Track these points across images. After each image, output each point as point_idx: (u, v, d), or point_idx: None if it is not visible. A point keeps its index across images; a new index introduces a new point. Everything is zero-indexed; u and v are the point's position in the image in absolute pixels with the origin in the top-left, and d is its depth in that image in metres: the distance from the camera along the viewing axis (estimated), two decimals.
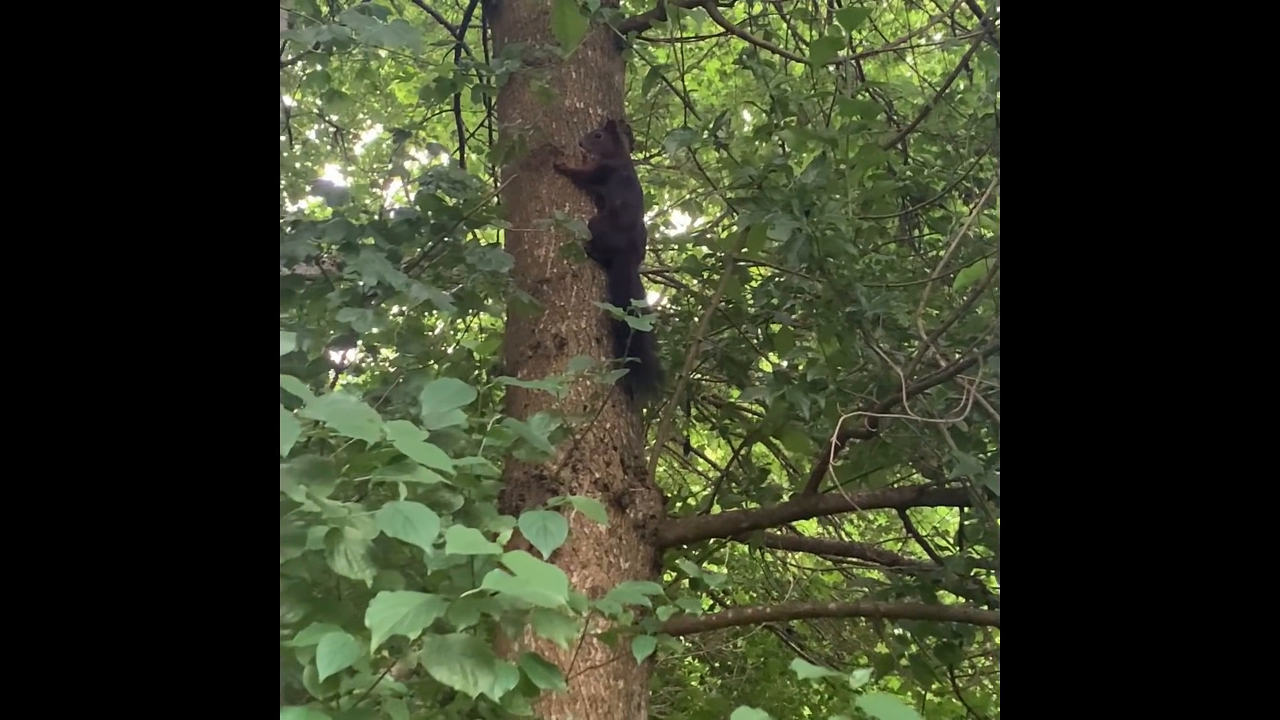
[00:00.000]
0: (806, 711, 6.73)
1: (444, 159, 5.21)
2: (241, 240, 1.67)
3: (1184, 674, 1.51)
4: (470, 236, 4.20)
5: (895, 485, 4.74)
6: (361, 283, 3.39)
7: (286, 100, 9.20)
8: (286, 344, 2.28)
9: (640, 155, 7.22)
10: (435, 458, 2.23)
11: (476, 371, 4.73)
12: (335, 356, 4.06)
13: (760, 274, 5.08)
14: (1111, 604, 1.55)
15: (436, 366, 4.63)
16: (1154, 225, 1.62)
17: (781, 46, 5.81)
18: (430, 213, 3.95)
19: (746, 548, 6.14)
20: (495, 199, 4.66)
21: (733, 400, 5.66)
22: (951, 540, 5.68)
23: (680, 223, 10.64)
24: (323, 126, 10.16)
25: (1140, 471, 1.57)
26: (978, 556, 4.37)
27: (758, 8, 6.08)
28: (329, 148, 10.20)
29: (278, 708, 1.68)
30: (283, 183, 8.80)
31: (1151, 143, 1.64)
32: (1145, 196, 1.63)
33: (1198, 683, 1.50)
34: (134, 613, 1.51)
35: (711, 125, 3.92)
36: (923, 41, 6.88)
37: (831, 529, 6.91)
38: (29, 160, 1.57)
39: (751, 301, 4.84)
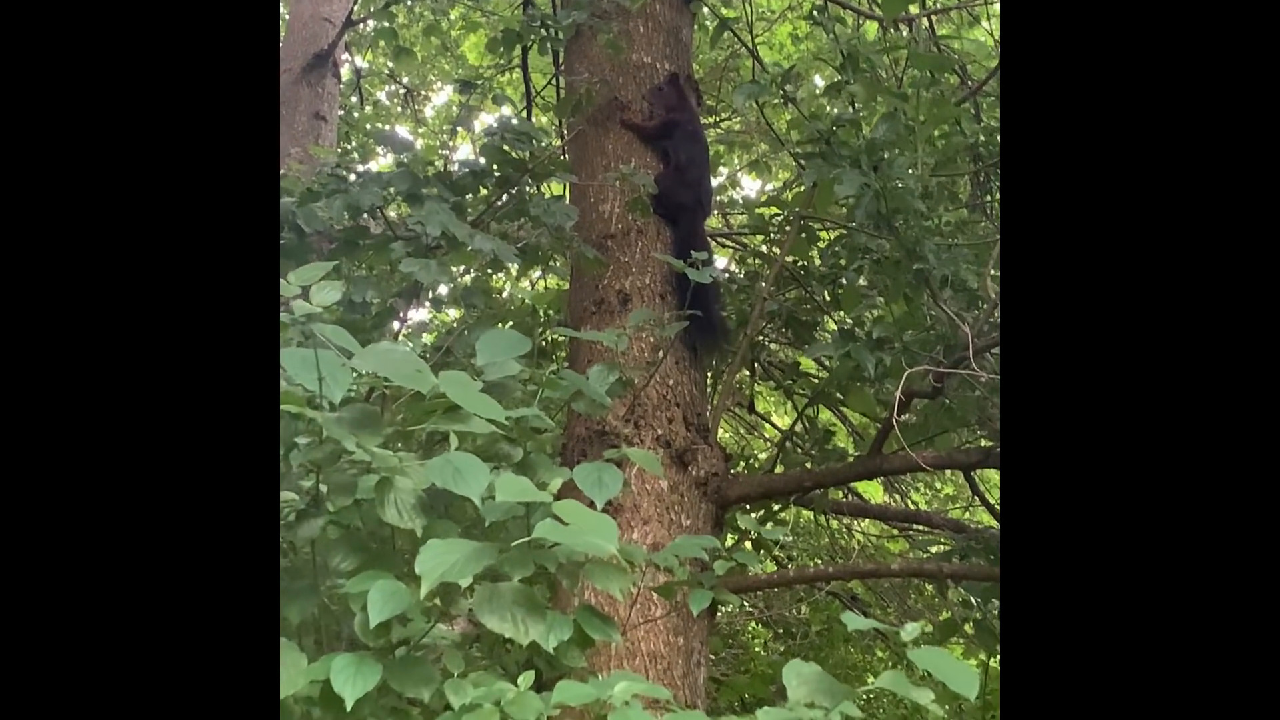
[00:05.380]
0: (870, 679, 6.68)
1: (506, 111, 5.18)
2: (238, 229, 1.65)
3: (1189, 666, 1.49)
4: (535, 191, 4.17)
5: (962, 448, 4.66)
6: (426, 234, 3.39)
7: (358, 61, 9.26)
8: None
9: (711, 119, 7.14)
10: (488, 408, 2.20)
11: (541, 328, 4.71)
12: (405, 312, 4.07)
13: (828, 236, 5.01)
14: (1116, 593, 1.53)
15: (500, 323, 4.62)
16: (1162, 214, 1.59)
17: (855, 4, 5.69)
18: (495, 165, 3.93)
19: (812, 514, 6.09)
20: (560, 153, 4.63)
21: (798, 360, 5.59)
22: None
23: (750, 186, 10.57)
24: (393, 88, 10.21)
25: (1140, 465, 1.55)
26: None
27: None
28: (400, 109, 10.24)
29: (278, 706, 1.67)
30: (353, 142, 8.87)
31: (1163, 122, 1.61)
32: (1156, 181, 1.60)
33: (1201, 675, 1.48)
34: (127, 603, 1.51)
35: (780, 79, 3.85)
36: None
37: (898, 497, 6.84)
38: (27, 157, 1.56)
39: (820, 262, 4.77)
